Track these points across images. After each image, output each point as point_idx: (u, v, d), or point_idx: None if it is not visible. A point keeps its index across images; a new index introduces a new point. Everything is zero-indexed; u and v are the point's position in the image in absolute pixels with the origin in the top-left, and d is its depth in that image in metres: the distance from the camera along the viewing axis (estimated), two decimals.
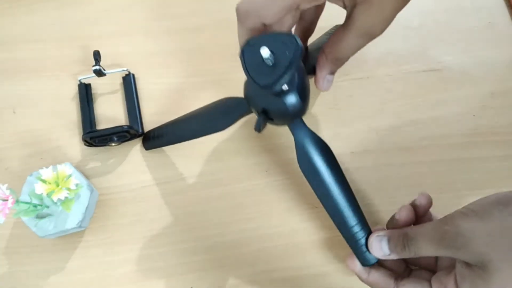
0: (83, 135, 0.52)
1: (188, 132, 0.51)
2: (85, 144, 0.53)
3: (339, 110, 0.56)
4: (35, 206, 0.46)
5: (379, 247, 0.39)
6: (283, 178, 0.53)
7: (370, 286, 0.41)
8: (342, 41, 0.39)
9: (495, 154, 0.54)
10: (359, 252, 0.42)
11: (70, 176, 0.46)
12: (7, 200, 0.43)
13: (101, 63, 0.55)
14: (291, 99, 0.37)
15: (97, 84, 0.58)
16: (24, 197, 0.48)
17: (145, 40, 0.60)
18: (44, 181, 0.45)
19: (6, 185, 0.43)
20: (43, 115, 0.56)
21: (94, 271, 0.50)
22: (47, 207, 0.48)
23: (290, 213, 0.52)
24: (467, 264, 0.32)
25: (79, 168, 0.54)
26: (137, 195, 0.53)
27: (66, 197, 0.45)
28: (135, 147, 0.55)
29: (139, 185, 0.53)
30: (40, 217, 0.48)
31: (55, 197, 0.44)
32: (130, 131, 0.52)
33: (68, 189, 0.45)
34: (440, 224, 0.33)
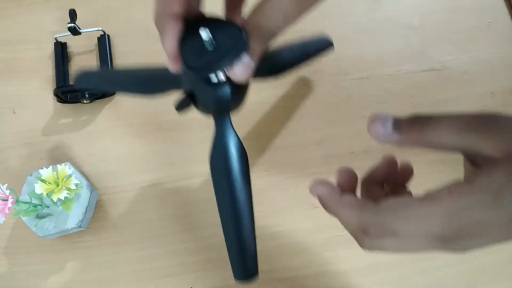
0: (55, 89, 0.53)
1: (119, 84, 0.50)
2: (57, 100, 0.54)
3: (339, 110, 0.56)
4: (35, 206, 0.46)
5: (382, 123, 0.28)
6: (283, 178, 0.53)
7: (340, 213, 0.30)
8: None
9: None
10: (238, 262, 0.39)
11: (70, 176, 0.46)
12: (7, 200, 0.43)
13: (79, 24, 0.56)
14: (223, 92, 0.34)
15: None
16: (24, 197, 0.48)
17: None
18: (44, 181, 0.45)
19: (6, 185, 0.43)
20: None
21: (94, 271, 0.50)
22: (47, 207, 0.48)
23: (290, 213, 0.52)
24: (483, 161, 0.25)
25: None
26: (137, 195, 0.53)
27: (66, 197, 0.45)
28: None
29: (139, 185, 0.53)
30: (40, 217, 0.48)
31: (55, 197, 0.44)
32: None
33: (68, 189, 0.45)
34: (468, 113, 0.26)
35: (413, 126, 0.26)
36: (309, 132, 0.55)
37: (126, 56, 0.60)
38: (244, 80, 0.31)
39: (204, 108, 0.38)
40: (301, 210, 0.52)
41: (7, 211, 0.42)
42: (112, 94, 0.57)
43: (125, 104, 0.57)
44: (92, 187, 0.51)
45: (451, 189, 0.24)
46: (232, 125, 0.39)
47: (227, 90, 0.34)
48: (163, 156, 0.55)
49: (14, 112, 0.57)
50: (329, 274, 0.49)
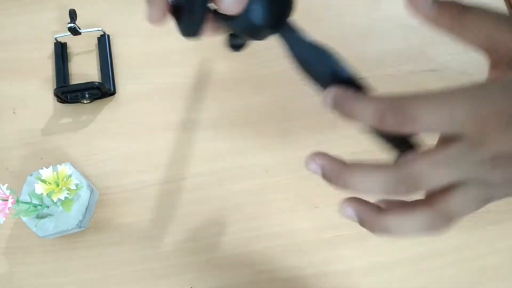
0: (55, 89, 0.53)
1: None
2: (58, 101, 0.54)
3: None
4: (35, 206, 0.46)
5: None
6: (283, 178, 0.53)
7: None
8: None
9: None
10: None
11: (70, 176, 0.46)
12: (7, 200, 0.43)
13: (79, 24, 0.56)
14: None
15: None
16: (24, 197, 0.48)
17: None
18: (44, 181, 0.45)
19: (6, 185, 0.43)
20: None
21: (94, 271, 0.50)
22: (47, 207, 0.48)
23: (290, 213, 0.52)
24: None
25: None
26: (137, 195, 0.53)
27: (66, 197, 0.45)
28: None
29: (139, 185, 0.53)
30: (40, 217, 0.48)
31: (55, 197, 0.44)
32: (102, 88, 0.53)
33: (68, 189, 0.45)
34: None
35: (455, 6, 0.25)
36: (309, 132, 0.55)
37: (126, 56, 0.60)
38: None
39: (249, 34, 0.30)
40: (301, 210, 0.52)
41: (7, 211, 0.42)
42: (112, 94, 0.57)
43: (125, 104, 0.57)
44: (92, 187, 0.51)
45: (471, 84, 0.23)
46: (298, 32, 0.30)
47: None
48: (163, 156, 0.55)
49: (14, 112, 0.57)
50: (329, 274, 0.49)
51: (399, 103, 0.23)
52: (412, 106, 0.22)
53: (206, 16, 0.28)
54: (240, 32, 0.30)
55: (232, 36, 0.33)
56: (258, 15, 0.28)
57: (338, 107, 0.26)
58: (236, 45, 0.33)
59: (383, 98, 0.24)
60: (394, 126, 0.23)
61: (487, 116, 0.21)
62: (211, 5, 0.27)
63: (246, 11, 0.27)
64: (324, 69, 0.28)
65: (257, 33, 0.29)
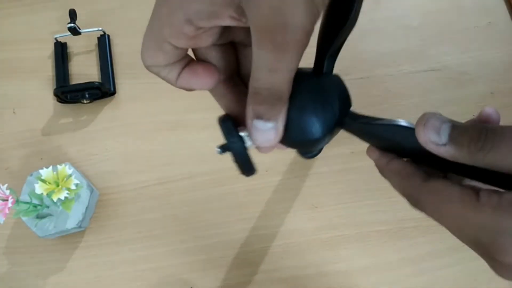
0: (54, 89, 0.53)
1: None
2: (57, 100, 0.54)
3: None
4: (35, 206, 0.46)
5: (436, 130, 0.22)
6: (283, 178, 0.53)
7: (389, 179, 0.29)
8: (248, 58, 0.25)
9: None
10: None
11: (70, 176, 0.46)
12: (7, 200, 0.43)
13: (79, 24, 0.56)
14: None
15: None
16: (24, 197, 0.48)
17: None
18: (44, 181, 0.45)
19: (6, 185, 0.43)
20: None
21: (94, 271, 0.50)
22: (47, 207, 0.48)
23: (290, 213, 0.52)
24: None
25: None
26: (137, 195, 0.53)
27: (66, 197, 0.45)
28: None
29: (139, 185, 0.53)
30: (40, 217, 0.48)
31: (55, 197, 0.44)
32: (102, 88, 0.53)
33: (68, 189, 0.45)
34: None
35: (475, 140, 0.21)
36: None
37: (126, 56, 0.59)
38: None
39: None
40: (301, 210, 0.52)
41: (7, 211, 0.42)
42: (112, 94, 0.57)
43: (125, 104, 0.57)
44: (92, 187, 0.51)
45: (503, 200, 0.20)
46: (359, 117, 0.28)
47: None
48: (163, 156, 0.55)
49: (14, 112, 0.57)
50: (329, 274, 0.49)
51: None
52: (431, 210, 0.23)
53: (249, 155, 0.27)
54: (302, 150, 0.28)
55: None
56: (307, 130, 0.25)
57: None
58: (309, 154, 0.30)
59: (413, 185, 0.24)
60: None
61: None
62: None
63: (292, 130, 0.25)
64: (406, 142, 0.25)
65: (318, 143, 0.26)
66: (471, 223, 0.21)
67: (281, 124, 0.25)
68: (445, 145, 0.22)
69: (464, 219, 0.21)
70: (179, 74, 0.27)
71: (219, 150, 0.28)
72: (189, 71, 0.26)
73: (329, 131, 0.26)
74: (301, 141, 0.26)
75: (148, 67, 0.26)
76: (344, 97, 0.26)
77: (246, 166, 0.27)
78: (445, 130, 0.22)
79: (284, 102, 0.24)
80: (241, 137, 0.26)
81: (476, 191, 0.21)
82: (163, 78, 0.27)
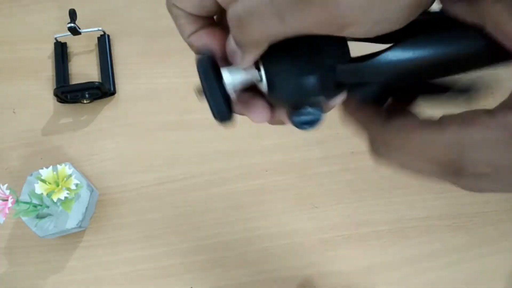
0: (54, 89, 0.53)
1: None
2: (57, 100, 0.54)
3: (339, 110, 0.56)
4: (35, 206, 0.46)
5: None
6: (283, 178, 0.53)
7: (352, 124, 0.26)
8: None
9: None
10: None
11: (70, 176, 0.46)
12: (7, 200, 0.43)
13: (79, 24, 0.56)
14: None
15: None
16: (24, 197, 0.48)
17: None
18: (44, 181, 0.45)
19: (6, 185, 0.43)
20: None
21: (94, 271, 0.50)
22: (47, 207, 0.48)
23: (290, 213, 0.52)
24: None
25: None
26: (137, 195, 0.53)
27: (66, 197, 0.45)
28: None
29: (139, 185, 0.53)
30: (40, 217, 0.48)
31: (55, 197, 0.44)
32: (102, 88, 0.53)
33: (68, 189, 0.45)
34: None
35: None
36: (309, 132, 0.55)
37: (126, 56, 0.60)
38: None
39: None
40: (301, 210, 0.52)
41: (7, 211, 0.42)
42: (112, 94, 0.57)
43: (125, 104, 0.57)
44: (92, 187, 0.51)
45: (465, 117, 0.20)
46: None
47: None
48: (163, 156, 0.55)
49: (14, 112, 0.57)
50: (329, 274, 0.49)
51: None
52: (396, 145, 0.23)
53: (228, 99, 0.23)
54: (291, 102, 0.23)
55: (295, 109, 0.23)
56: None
57: None
58: (304, 121, 0.23)
59: (376, 125, 0.24)
60: None
61: None
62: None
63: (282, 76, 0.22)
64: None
65: (307, 89, 0.22)
66: (437, 145, 0.20)
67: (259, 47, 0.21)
68: None
69: (429, 144, 0.21)
70: (195, 30, 0.25)
71: (196, 93, 0.24)
72: (207, 32, 0.25)
73: (319, 73, 0.22)
74: (286, 85, 0.22)
75: (171, 6, 0.24)
76: (337, 42, 0.22)
77: (220, 109, 0.23)
78: None
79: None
80: (219, 76, 0.23)
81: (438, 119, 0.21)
82: (178, 25, 0.25)
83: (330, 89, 0.23)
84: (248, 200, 0.52)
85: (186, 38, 0.25)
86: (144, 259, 0.50)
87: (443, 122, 0.21)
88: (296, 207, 0.52)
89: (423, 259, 0.50)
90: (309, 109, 0.23)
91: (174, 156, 0.55)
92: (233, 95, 0.23)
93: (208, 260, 0.50)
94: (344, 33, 0.19)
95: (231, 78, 0.23)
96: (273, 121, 0.26)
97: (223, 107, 0.23)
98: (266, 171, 0.53)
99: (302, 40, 0.21)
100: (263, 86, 0.23)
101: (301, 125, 0.23)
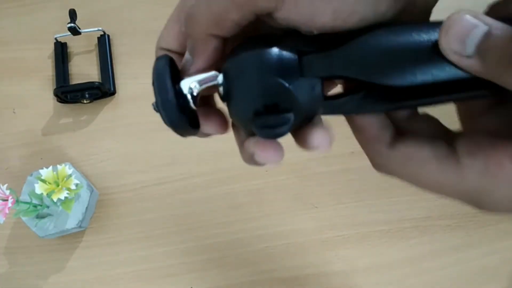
0: (54, 89, 0.53)
1: None
2: (58, 100, 0.55)
3: None
4: (35, 206, 0.46)
5: (460, 38, 0.18)
6: (283, 178, 0.53)
7: (357, 131, 0.25)
8: None
9: None
10: None
11: (70, 176, 0.46)
12: (7, 200, 0.43)
13: (79, 24, 0.57)
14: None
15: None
16: (24, 197, 0.48)
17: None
18: (44, 181, 0.45)
19: (6, 185, 0.43)
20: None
21: (94, 271, 0.50)
22: (47, 207, 0.48)
23: (290, 213, 0.52)
24: None
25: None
26: (137, 195, 0.53)
27: (66, 197, 0.45)
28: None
29: (139, 185, 0.53)
30: (40, 217, 0.48)
31: (55, 197, 0.44)
32: (102, 88, 0.53)
33: (68, 189, 0.45)
34: None
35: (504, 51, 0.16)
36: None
37: (126, 56, 0.59)
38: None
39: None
40: (301, 210, 0.52)
41: (7, 211, 0.42)
42: (112, 94, 0.57)
43: (125, 104, 0.57)
44: (92, 187, 0.51)
45: (489, 164, 0.18)
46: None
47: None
48: (163, 156, 0.55)
49: (14, 112, 0.57)
50: (329, 274, 0.49)
51: None
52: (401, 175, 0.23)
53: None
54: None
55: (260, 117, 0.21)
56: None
57: None
58: (271, 130, 0.21)
59: (380, 152, 0.23)
60: None
61: None
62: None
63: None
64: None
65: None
66: (454, 189, 0.19)
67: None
68: (470, 57, 0.17)
69: (444, 186, 0.19)
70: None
71: (153, 105, 0.22)
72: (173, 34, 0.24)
73: (280, 71, 0.20)
74: (246, 82, 0.20)
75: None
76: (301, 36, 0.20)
77: (170, 114, 0.21)
78: (474, 38, 0.17)
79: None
80: (175, 77, 0.21)
81: (452, 150, 0.19)
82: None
83: (296, 81, 0.20)
84: (248, 200, 0.52)
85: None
86: (144, 259, 0.50)
87: (463, 165, 0.18)
88: (296, 207, 0.52)
89: (423, 259, 0.50)
90: (273, 116, 0.20)
91: (174, 156, 0.55)
92: (191, 102, 0.21)
93: (208, 260, 0.50)
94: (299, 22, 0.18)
95: (189, 80, 0.21)
96: (227, 131, 0.24)
97: (173, 111, 0.21)
98: (266, 171, 0.53)
99: (264, 39, 0.20)
100: (221, 90, 0.21)
101: (262, 129, 0.20)
